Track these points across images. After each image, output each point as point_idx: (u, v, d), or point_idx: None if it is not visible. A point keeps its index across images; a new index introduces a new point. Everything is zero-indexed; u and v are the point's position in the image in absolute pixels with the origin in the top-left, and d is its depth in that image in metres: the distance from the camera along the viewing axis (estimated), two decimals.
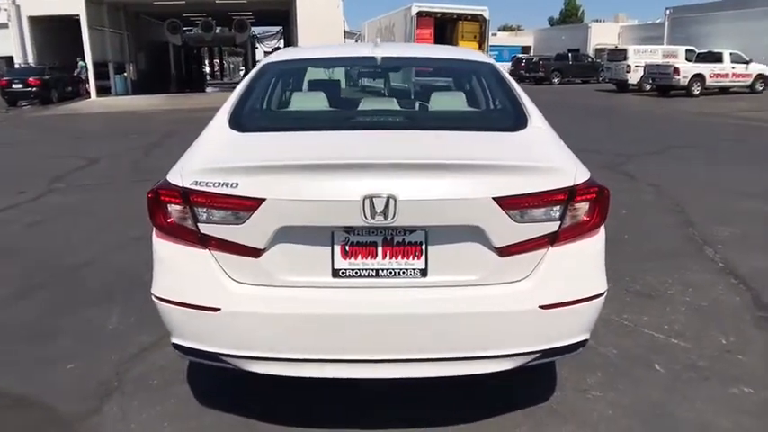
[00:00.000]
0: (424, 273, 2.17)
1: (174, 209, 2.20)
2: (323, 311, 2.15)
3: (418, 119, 3.27)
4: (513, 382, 2.73)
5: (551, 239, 2.21)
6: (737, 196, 6.60)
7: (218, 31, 32.56)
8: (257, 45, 43.99)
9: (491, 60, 3.58)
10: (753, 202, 6.31)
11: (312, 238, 2.14)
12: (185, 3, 27.61)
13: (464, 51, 4.06)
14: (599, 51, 36.45)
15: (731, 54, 23.07)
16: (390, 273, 2.17)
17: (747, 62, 23.26)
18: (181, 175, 2.21)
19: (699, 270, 4.32)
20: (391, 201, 2.04)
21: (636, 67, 25.59)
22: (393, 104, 3.30)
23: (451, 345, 2.19)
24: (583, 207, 2.23)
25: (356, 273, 2.16)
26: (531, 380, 2.79)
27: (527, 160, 2.28)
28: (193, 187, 2.15)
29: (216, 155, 2.41)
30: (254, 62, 27.44)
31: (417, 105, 3.35)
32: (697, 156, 9.58)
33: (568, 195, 2.19)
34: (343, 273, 2.16)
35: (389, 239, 2.15)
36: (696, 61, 23.50)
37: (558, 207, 2.19)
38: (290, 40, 32.57)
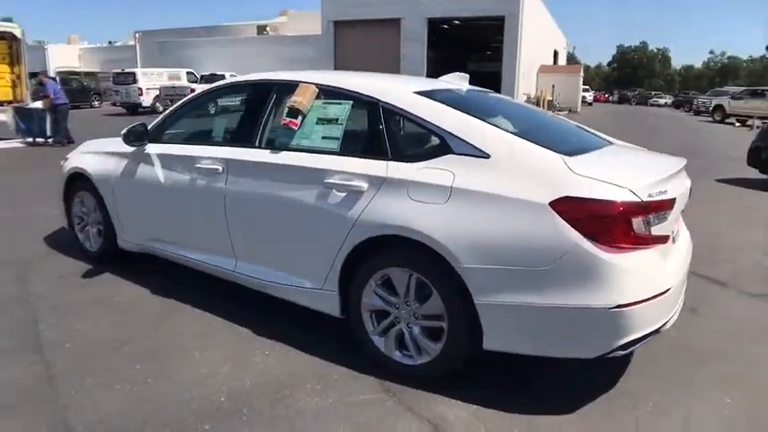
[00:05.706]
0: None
1: (638, 221, 2.74)
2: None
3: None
4: None
5: None
6: None
7: None
8: None
9: None
10: None
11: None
12: None
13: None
14: (69, 74, 33.51)
15: (231, 75, 26.90)
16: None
17: None
18: (634, 193, 2.72)
19: None
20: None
21: (148, 89, 26.47)
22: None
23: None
24: None
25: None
26: None
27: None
28: (650, 199, 2.76)
29: (618, 173, 2.92)
30: None
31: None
32: None
33: None
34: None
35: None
36: (202, 82, 26.30)
37: None
38: None
